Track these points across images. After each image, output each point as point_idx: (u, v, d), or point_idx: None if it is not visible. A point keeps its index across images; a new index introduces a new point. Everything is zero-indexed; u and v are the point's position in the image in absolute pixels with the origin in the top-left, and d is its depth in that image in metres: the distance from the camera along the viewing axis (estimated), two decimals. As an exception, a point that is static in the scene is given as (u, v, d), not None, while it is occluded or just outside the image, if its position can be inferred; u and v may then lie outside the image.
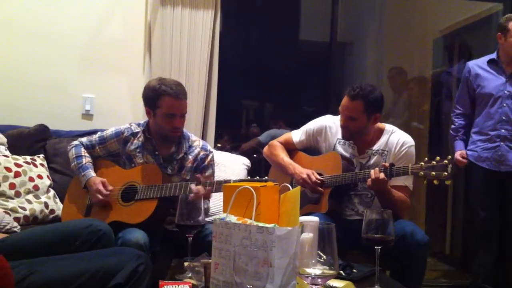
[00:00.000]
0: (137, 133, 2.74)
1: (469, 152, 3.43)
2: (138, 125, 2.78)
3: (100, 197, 2.56)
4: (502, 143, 3.33)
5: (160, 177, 2.57)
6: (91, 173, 2.66)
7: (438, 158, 2.39)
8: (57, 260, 1.78)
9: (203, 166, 2.76)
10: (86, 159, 2.71)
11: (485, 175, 3.41)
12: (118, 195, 2.62)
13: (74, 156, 2.73)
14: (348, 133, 2.74)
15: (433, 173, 2.37)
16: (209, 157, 2.79)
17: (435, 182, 2.38)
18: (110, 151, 2.78)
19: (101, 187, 2.57)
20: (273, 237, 1.48)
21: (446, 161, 2.35)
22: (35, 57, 3.45)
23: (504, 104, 3.33)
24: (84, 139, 2.80)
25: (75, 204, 2.72)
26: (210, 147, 2.87)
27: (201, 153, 2.77)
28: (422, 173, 2.40)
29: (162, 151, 2.72)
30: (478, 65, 3.47)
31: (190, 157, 2.74)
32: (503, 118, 3.33)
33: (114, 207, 2.59)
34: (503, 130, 3.34)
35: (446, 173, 2.34)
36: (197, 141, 2.81)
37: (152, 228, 2.49)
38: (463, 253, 4.55)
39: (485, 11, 4.39)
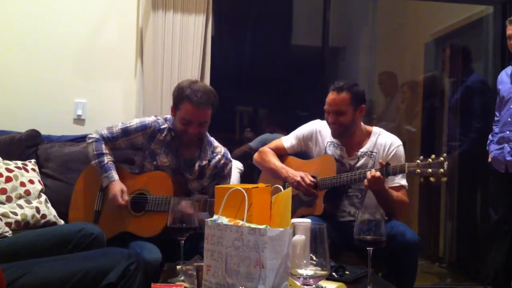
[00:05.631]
0: (163, 129, 2.62)
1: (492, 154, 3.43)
2: (165, 119, 2.66)
3: (119, 201, 2.48)
4: (506, 145, 3.30)
5: (171, 188, 2.49)
6: (114, 175, 2.55)
7: (433, 156, 2.40)
8: (49, 261, 1.79)
9: (222, 175, 2.70)
10: (108, 158, 2.59)
11: (496, 176, 3.42)
12: (127, 203, 2.54)
13: (94, 152, 2.60)
14: (339, 129, 2.73)
15: (430, 170, 2.38)
16: (229, 166, 2.74)
17: (432, 179, 2.39)
18: (134, 144, 2.65)
19: (119, 194, 2.49)
20: (265, 238, 1.49)
21: (442, 158, 2.36)
22: (26, 61, 3.42)
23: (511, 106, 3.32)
24: (105, 132, 2.66)
25: (83, 209, 2.66)
26: (230, 155, 2.79)
27: (222, 161, 2.70)
28: (419, 170, 2.41)
29: (185, 153, 2.64)
30: (505, 70, 3.47)
31: (211, 164, 2.67)
32: (509, 119, 3.31)
33: (124, 217, 2.53)
34: (507, 132, 3.31)
35: (442, 170, 2.35)
36: (219, 148, 2.73)
37: (160, 239, 2.43)
38: (456, 255, 4.56)
39: (476, 14, 4.42)
